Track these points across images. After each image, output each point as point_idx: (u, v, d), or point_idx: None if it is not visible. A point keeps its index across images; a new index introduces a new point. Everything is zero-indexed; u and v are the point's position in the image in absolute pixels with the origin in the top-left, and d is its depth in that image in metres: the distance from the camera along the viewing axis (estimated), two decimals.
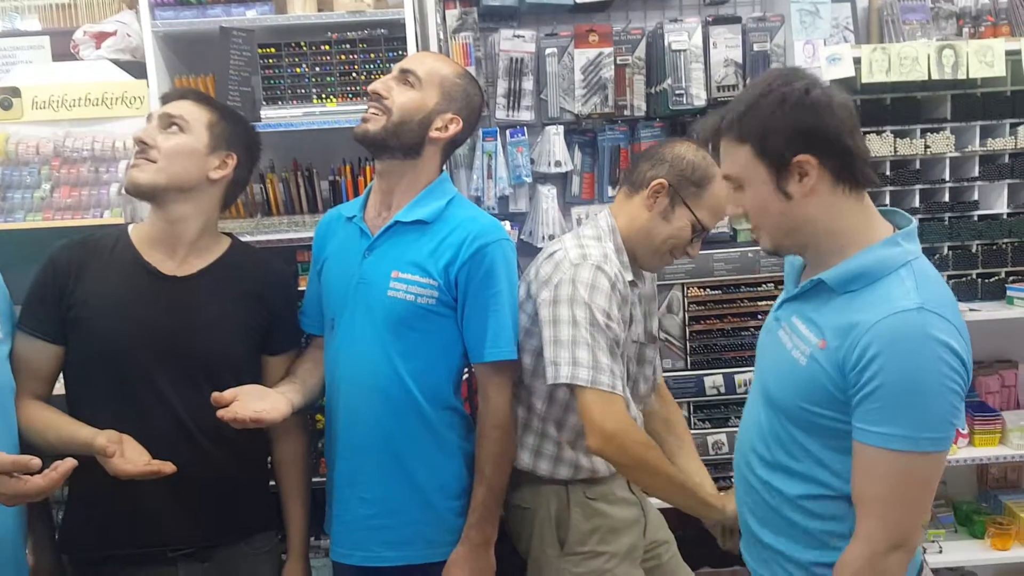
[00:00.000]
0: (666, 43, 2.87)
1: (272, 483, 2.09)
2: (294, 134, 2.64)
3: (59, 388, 1.96)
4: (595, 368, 1.87)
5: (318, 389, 2.04)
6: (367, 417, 1.92)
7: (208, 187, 1.95)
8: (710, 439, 2.80)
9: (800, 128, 1.46)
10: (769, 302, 2.47)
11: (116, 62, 2.70)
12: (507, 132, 2.94)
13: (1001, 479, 3.16)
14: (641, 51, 2.96)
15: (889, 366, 1.37)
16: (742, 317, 2.87)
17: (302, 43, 2.69)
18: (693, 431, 2.71)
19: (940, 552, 2.90)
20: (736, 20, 2.93)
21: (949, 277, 2.93)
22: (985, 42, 2.79)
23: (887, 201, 2.90)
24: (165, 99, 2.00)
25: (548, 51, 2.93)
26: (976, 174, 2.92)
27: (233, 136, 1.98)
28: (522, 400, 2.04)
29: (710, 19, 2.92)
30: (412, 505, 1.93)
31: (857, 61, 2.74)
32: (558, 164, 2.96)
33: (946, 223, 2.92)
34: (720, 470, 2.71)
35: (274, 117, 2.63)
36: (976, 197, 2.95)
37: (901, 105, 2.90)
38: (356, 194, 2.55)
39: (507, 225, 2.77)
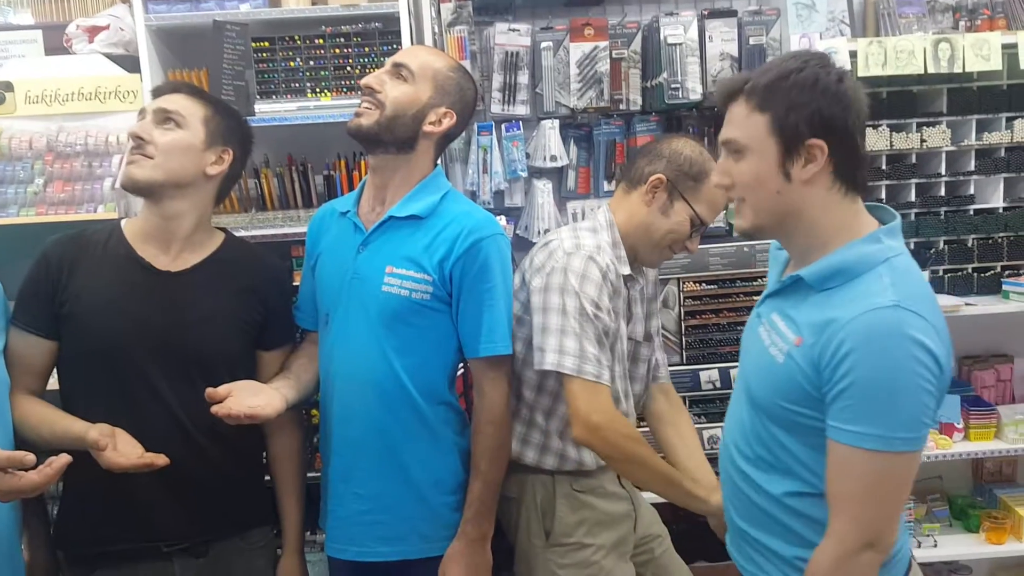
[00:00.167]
0: (662, 37, 2.86)
1: (267, 478, 2.09)
2: (288, 128, 2.63)
3: (52, 383, 1.95)
4: (581, 357, 1.88)
5: (312, 384, 2.03)
6: (362, 413, 1.92)
7: (204, 183, 1.95)
8: (706, 433, 2.79)
9: (825, 113, 1.44)
10: None
11: (109, 56, 2.69)
12: (502, 126, 2.93)
13: (996, 473, 3.17)
14: (637, 45, 2.95)
15: (862, 364, 1.36)
16: (738, 312, 2.87)
17: (296, 37, 2.68)
18: None
19: (935, 546, 2.91)
20: (732, 14, 2.92)
21: (945, 271, 2.93)
22: (981, 35, 2.79)
23: (883, 195, 2.90)
24: (157, 92, 2.00)
25: (543, 45, 2.92)
26: (972, 168, 2.91)
27: (228, 131, 1.98)
28: (511, 388, 2.04)
29: (706, 13, 2.91)
30: (407, 500, 1.93)
31: (853, 55, 2.74)
32: (554, 159, 2.96)
33: (942, 217, 2.92)
34: (716, 465, 2.70)
35: (268, 111, 2.62)
36: (972, 191, 2.94)
37: (897, 99, 2.89)
38: (351, 189, 2.54)
39: (502, 220, 2.76)
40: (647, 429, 2.28)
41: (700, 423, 2.83)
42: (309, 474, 2.15)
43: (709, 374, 2.85)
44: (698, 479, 2.07)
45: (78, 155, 2.58)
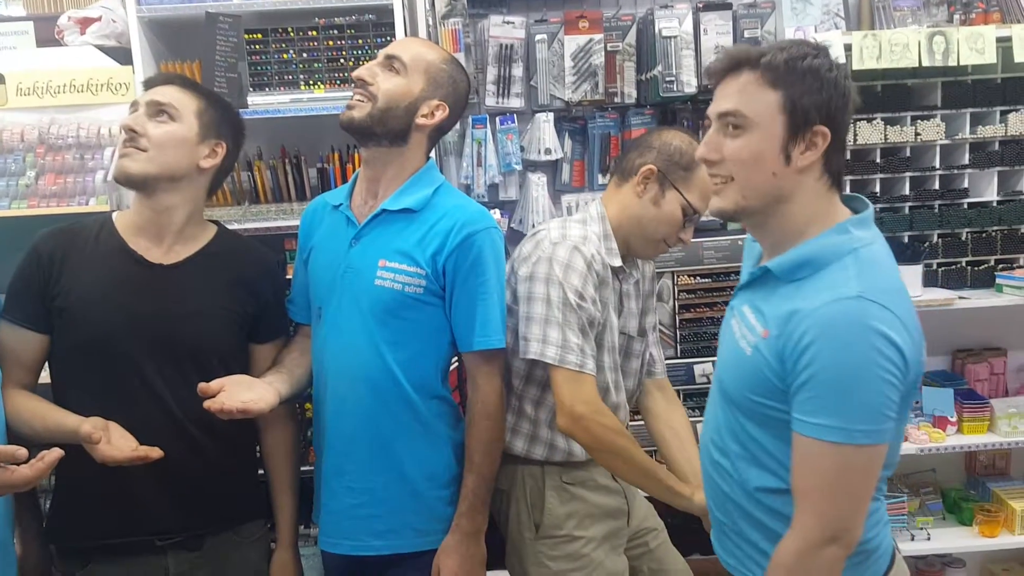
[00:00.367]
0: (656, 29, 2.86)
1: (261, 472, 2.09)
2: (281, 121, 2.63)
3: (44, 377, 1.95)
4: (563, 347, 1.89)
5: (305, 378, 2.03)
6: (355, 407, 1.91)
7: (197, 176, 1.94)
8: (699, 427, 2.80)
9: (834, 103, 1.43)
10: None
11: (101, 48, 2.68)
12: (497, 119, 2.93)
13: (989, 466, 3.17)
14: (631, 38, 2.95)
15: (823, 355, 1.34)
16: None
17: (289, 29, 2.67)
18: None
19: (928, 539, 2.92)
20: (727, 6, 2.92)
21: (939, 264, 2.94)
22: (976, 29, 2.79)
23: (877, 189, 2.90)
24: (149, 84, 1.98)
25: (538, 37, 2.92)
26: (966, 162, 2.92)
27: (221, 124, 1.97)
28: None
29: (700, 5, 2.91)
30: (400, 495, 1.92)
31: (848, 48, 2.74)
32: (548, 152, 2.96)
33: (936, 211, 2.92)
34: None
35: (261, 104, 2.62)
36: (966, 185, 2.95)
37: (891, 92, 2.89)
38: (344, 181, 2.54)
39: (497, 213, 2.77)
40: (642, 423, 2.28)
41: (694, 416, 2.83)
42: (303, 467, 2.15)
43: (703, 367, 2.86)
44: (687, 475, 2.07)
45: (70, 147, 2.58)
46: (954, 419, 2.91)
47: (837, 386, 1.34)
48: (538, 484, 2.04)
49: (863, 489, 1.40)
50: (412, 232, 1.91)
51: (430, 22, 2.78)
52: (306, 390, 2.06)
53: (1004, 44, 2.80)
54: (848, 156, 2.87)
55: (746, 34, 2.90)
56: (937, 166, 2.92)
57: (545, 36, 2.91)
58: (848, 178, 2.87)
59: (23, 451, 1.57)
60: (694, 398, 2.88)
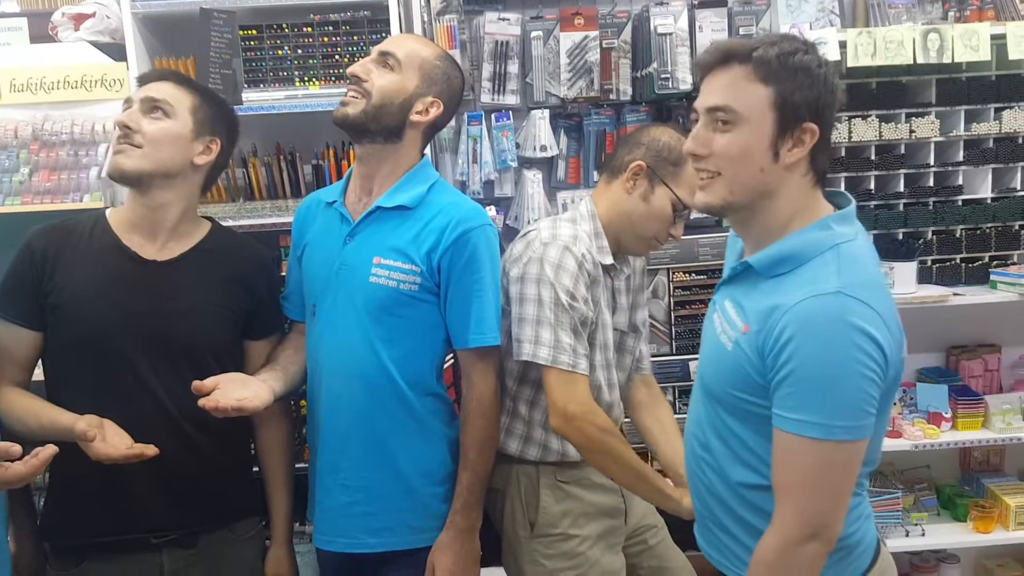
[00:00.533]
0: (652, 26, 2.85)
1: (256, 469, 2.09)
2: (276, 117, 2.62)
3: (38, 374, 1.94)
4: (556, 347, 1.89)
5: (300, 376, 2.03)
6: (349, 404, 1.91)
7: (191, 173, 1.93)
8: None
9: (823, 100, 1.43)
10: None
11: (95, 44, 2.67)
12: (492, 116, 2.93)
13: (984, 462, 3.18)
14: (627, 34, 2.95)
15: (802, 351, 1.34)
16: None
17: (284, 25, 2.66)
18: (678, 415, 2.70)
19: (923, 535, 2.92)
20: (722, 4, 2.91)
21: (933, 261, 2.94)
22: (970, 26, 2.79)
23: (872, 186, 2.90)
24: (143, 80, 1.97)
25: (533, 34, 2.92)
26: (961, 159, 2.92)
27: (216, 120, 1.97)
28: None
29: (696, 2, 2.91)
30: (395, 492, 1.92)
31: (843, 45, 2.74)
32: (544, 148, 2.96)
33: (930, 208, 2.92)
34: None
35: (256, 100, 2.61)
36: (960, 182, 2.95)
37: (886, 89, 2.89)
38: (339, 178, 2.53)
39: (492, 210, 2.77)
40: (628, 420, 2.28)
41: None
42: (297, 465, 2.15)
43: (698, 364, 2.86)
44: (674, 465, 2.08)
45: (64, 144, 2.57)
46: (948, 415, 2.92)
47: (816, 382, 1.34)
48: (533, 483, 2.04)
49: (843, 485, 1.40)
50: (407, 229, 1.91)
51: (425, 18, 2.77)
52: (301, 387, 2.06)
53: (998, 41, 2.80)
54: (843, 153, 2.87)
55: (741, 31, 2.89)
56: (932, 163, 2.92)
57: (541, 33, 2.91)
58: (842, 175, 2.88)
59: (17, 448, 1.57)
60: (689, 394, 2.87)
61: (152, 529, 1.88)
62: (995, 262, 2.95)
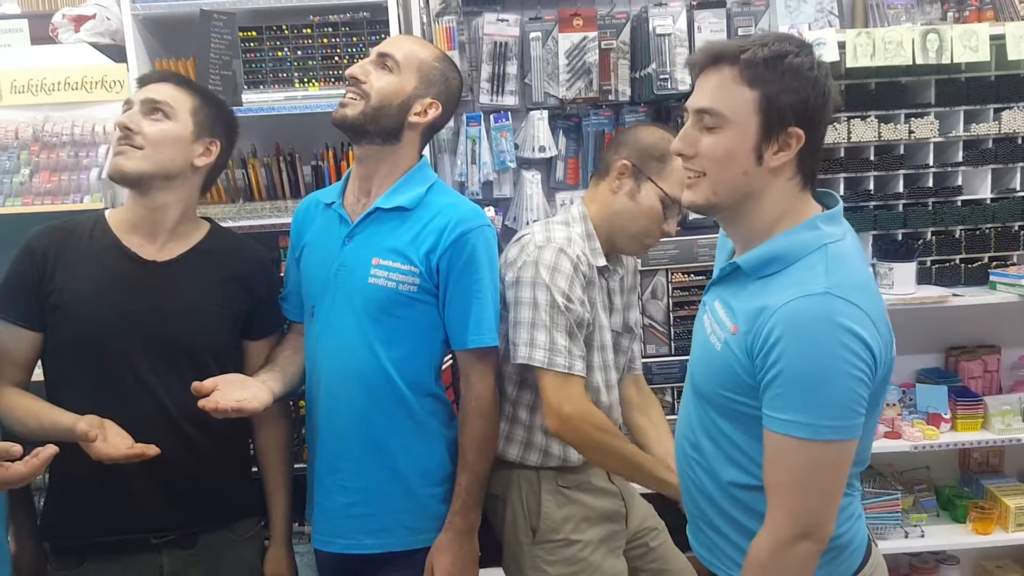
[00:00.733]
0: (651, 27, 2.86)
1: (255, 469, 2.09)
2: (276, 118, 2.63)
3: (37, 375, 1.94)
4: (551, 350, 1.90)
5: (299, 377, 2.03)
6: (348, 405, 1.91)
7: (191, 174, 1.94)
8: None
9: (811, 103, 1.42)
10: None
11: (95, 46, 2.67)
12: (491, 117, 2.93)
13: (983, 463, 3.18)
14: (626, 35, 2.95)
15: (790, 351, 1.34)
16: None
17: (283, 26, 2.67)
18: (676, 416, 2.72)
19: (922, 536, 2.92)
20: (721, 4, 2.92)
21: (932, 262, 2.94)
22: (969, 27, 2.79)
23: (871, 186, 2.91)
24: (143, 81, 1.98)
25: (532, 35, 2.92)
26: (960, 159, 2.92)
27: (216, 122, 1.97)
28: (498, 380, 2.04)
29: (694, 3, 2.91)
30: (393, 493, 1.92)
31: (842, 46, 2.74)
32: (542, 149, 2.96)
33: (930, 208, 2.92)
34: None
35: (256, 101, 2.61)
36: (960, 182, 2.95)
37: (885, 90, 2.89)
38: (339, 179, 2.54)
39: (491, 211, 2.77)
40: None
41: None
42: (296, 465, 2.15)
43: (689, 365, 2.86)
44: (665, 461, 2.07)
45: (64, 145, 2.57)
46: (948, 416, 2.92)
47: (804, 382, 1.34)
48: (534, 488, 2.04)
49: (833, 485, 1.40)
50: (406, 230, 1.91)
51: (424, 20, 2.78)
52: (299, 388, 2.07)
53: (997, 42, 2.80)
54: (842, 153, 2.87)
55: (740, 32, 2.90)
56: (931, 164, 2.92)
57: (539, 34, 2.92)
58: (842, 175, 2.88)
59: (18, 447, 1.57)
60: None
61: (152, 529, 1.88)
62: (994, 263, 2.95)
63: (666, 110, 3.03)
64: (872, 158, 2.89)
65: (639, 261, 2.30)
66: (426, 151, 2.05)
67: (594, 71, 2.91)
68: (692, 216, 2.86)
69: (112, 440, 1.75)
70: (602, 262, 2.04)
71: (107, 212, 1.98)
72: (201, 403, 1.76)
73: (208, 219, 2.06)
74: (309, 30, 2.66)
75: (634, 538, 2.17)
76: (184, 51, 2.69)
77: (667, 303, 2.89)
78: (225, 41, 2.56)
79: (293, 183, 2.72)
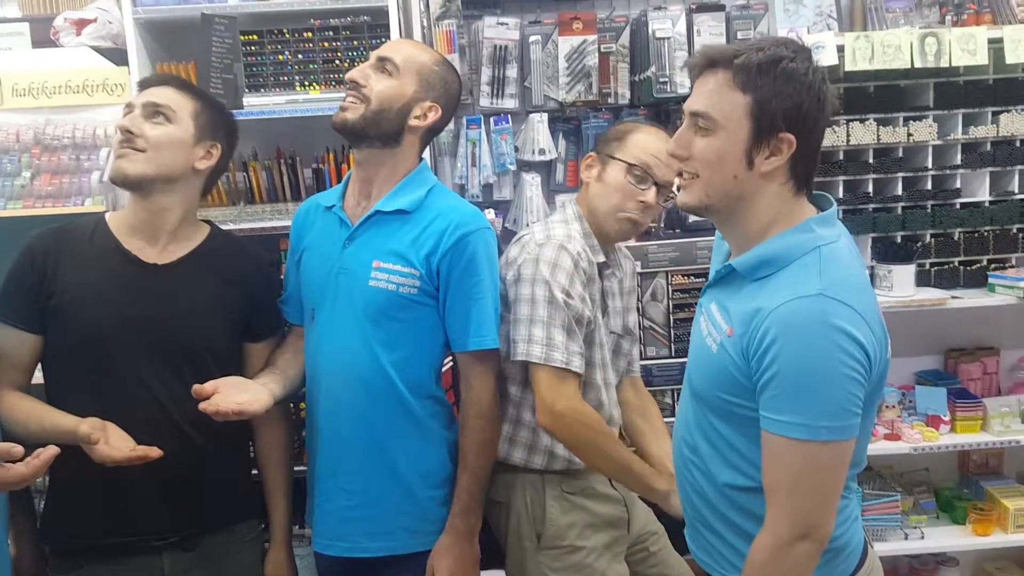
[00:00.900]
0: (650, 31, 2.87)
1: (255, 471, 2.09)
2: (277, 122, 2.63)
3: (37, 377, 1.95)
4: (548, 345, 1.91)
5: (299, 379, 2.03)
6: (349, 408, 1.91)
7: (192, 177, 1.94)
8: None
9: (804, 109, 1.42)
10: None
11: (97, 49, 2.67)
12: (491, 120, 2.94)
13: (983, 465, 3.18)
14: (625, 39, 2.96)
15: (785, 353, 1.35)
16: None
17: (284, 30, 2.68)
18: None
19: (922, 538, 2.92)
20: (720, 8, 2.93)
21: (931, 264, 2.95)
22: (967, 30, 2.80)
23: (870, 189, 2.91)
24: (144, 84, 1.98)
25: (532, 38, 2.93)
26: (958, 162, 2.93)
27: (217, 125, 1.98)
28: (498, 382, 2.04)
29: (694, 7, 2.92)
30: (394, 495, 1.92)
31: (840, 49, 2.75)
32: (542, 152, 2.97)
33: (928, 211, 2.93)
34: None
35: (257, 104, 2.62)
36: (958, 185, 2.96)
37: (884, 93, 2.90)
38: (339, 182, 2.55)
39: (491, 213, 2.78)
40: None
41: None
42: (297, 467, 2.15)
43: (686, 367, 2.86)
44: (663, 462, 2.09)
45: (65, 148, 2.57)
46: (947, 418, 2.92)
47: (800, 383, 1.34)
48: (539, 494, 2.04)
49: (830, 485, 1.41)
50: (406, 233, 1.92)
51: (424, 24, 2.78)
52: (299, 390, 2.07)
53: (995, 45, 2.81)
54: (841, 156, 2.88)
55: (739, 35, 2.91)
56: (929, 166, 2.92)
57: (539, 37, 2.92)
58: (841, 178, 2.89)
59: (19, 448, 1.57)
60: None
61: (152, 532, 1.88)
62: (993, 265, 2.96)
63: (666, 113, 3.04)
64: (871, 161, 2.90)
65: (638, 264, 2.31)
66: (426, 154, 2.06)
67: (594, 74, 2.92)
68: (691, 218, 2.87)
69: (114, 442, 1.76)
70: (601, 258, 2.06)
71: (108, 215, 1.99)
72: (202, 406, 1.76)
73: (208, 222, 2.06)
74: (310, 34, 2.67)
75: (635, 543, 2.17)
76: (185, 55, 2.69)
77: (667, 305, 2.89)
78: (226, 45, 2.57)
79: (294, 186, 2.73)
